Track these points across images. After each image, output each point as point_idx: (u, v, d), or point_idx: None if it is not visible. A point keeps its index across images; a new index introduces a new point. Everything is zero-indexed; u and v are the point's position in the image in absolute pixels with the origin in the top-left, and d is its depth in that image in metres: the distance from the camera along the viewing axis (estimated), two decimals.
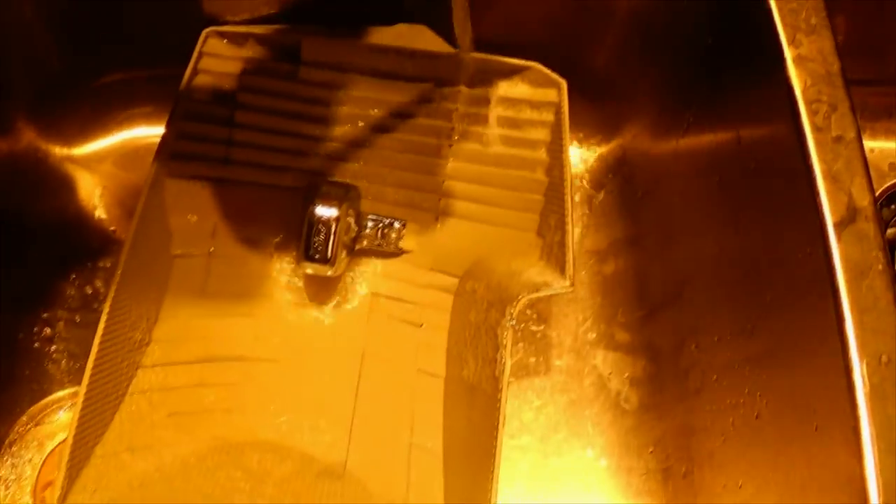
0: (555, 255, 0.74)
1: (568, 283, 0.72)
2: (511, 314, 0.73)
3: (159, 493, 0.67)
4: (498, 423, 0.69)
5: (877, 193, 0.95)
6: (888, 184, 0.99)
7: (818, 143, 0.64)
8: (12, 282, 0.81)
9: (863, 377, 0.58)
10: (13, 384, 0.79)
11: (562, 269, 0.73)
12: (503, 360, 0.70)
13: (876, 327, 0.59)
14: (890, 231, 0.96)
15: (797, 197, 0.64)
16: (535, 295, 0.73)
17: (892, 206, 0.98)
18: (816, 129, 0.64)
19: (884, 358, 0.59)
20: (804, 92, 0.65)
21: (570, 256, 0.72)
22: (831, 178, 0.63)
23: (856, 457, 0.57)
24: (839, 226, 0.62)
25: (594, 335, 0.85)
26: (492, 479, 0.67)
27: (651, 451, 0.80)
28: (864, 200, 0.63)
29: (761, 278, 0.69)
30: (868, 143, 1.01)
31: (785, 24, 0.66)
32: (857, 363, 0.59)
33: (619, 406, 0.82)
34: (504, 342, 0.72)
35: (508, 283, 0.75)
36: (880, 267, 0.61)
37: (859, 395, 0.58)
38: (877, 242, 0.62)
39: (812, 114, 0.65)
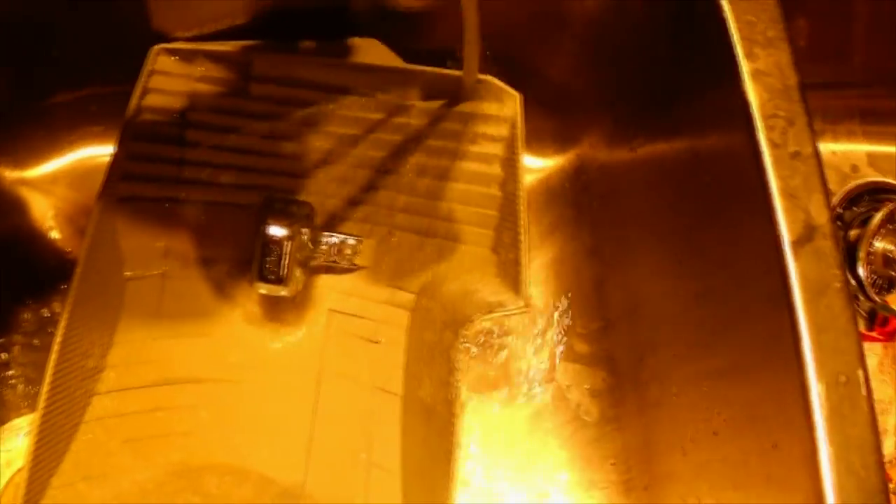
0: (510, 274, 0.74)
1: (522, 303, 0.72)
2: (465, 336, 0.72)
3: None
4: (453, 448, 0.69)
5: (839, 196, 0.95)
6: (850, 186, 0.99)
7: (775, 159, 0.64)
8: None
9: (820, 398, 0.58)
10: None
11: (516, 288, 0.72)
12: (457, 384, 0.70)
13: (834, 347, 0.59)
14: (852, 233, 0.97)
15: (754, 213, 0.64)
16: (489, 316, 0.73)
17: (854, 209, 0.98)
18: (773, 145, 0.64)
19: (842, 378, 0.59)
20: (761, 107, 0.65)
21: (524, 276, 0.72)
22: (788, 194, 0.63)
23: (814, 477, 0.57)
24: (796, 244, 0.62)
25: (553, 346, 0.84)
26: (450, 495, 0.67)
27: (612, 464, 0.80)
28: (821, 218, 0.63)
29: (719, 294, 0.69)
30: (830, 146, 1.01)
31: (742, 37, 0.66)
32: (814, 384, 0.59)
33: (580, 418, 0.82)
34: (458, 365, 0.71)
35: (463, 302, 0.75)
36: (838, 285, 0.61)
37: (817, 417, 0.58)
38: (834, 260, 0.62)
39: (769, 129, 0.64)
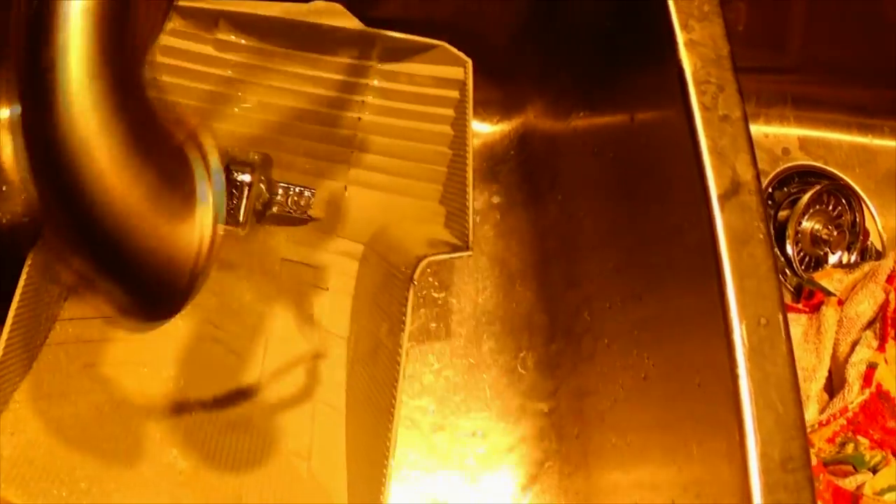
0: (456, 222, 0.77)
1: (466, 247, 0.75)
2: (412, 277, 0.75)
3: (73, 437, 0.69)
4: (397, 378, 0.72)
5: (770, 176, 1.00)
6: (781, 167, 1.04)
7: (705, 121, 0.68)
8: None
9: (742, 338, 0.62)
10: None
11: (462, 235, 0.76)
12: (404, 319, 0.73)
13: (756, 292, 0.63)
14: (782, 213, 1.01)
15: (685, 171, 0.68)
16: (434, 258, 0.76)
17: (785, 189, 1.02)
18: (704, 108, 0.68)
19: (763, 320, 0.62)
20: (694, 74, 0.69)
21: (469, 223, 0.75)
22: (717, 153, 0.67)
23: (735, 413, 0.61)
24: (723, 198, 0.66)
25: (493, 303, 0.88)
26: (390, 432, 0.70)
27: (545, 414, 0.84)
28: (747, 175, 0.67)
29: (651, 247, 0.73)
30: (763, 129, 1.05)
31: (679, 11, 0.69)
32: (737, 325, 0.62)
33: (516, 371, 0.85)
34: (405, 301, 0.74)
35: (411, 248, 0.78)
36: (761, 236, 0.65)
37: (738, 355, 0.61)
38: (759, 214, 0.66)
39: (701, 94, 0.68)
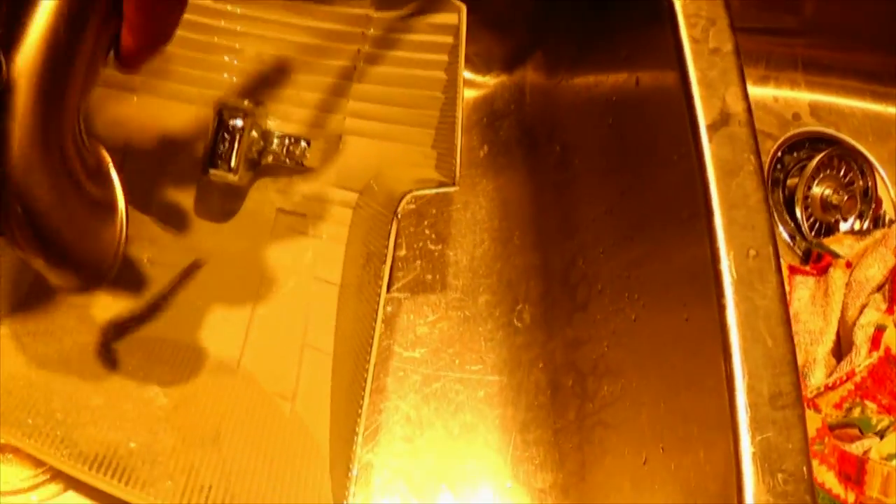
0: (445, 162, 0.77)
1: (454, 183, 0.74)
2: (396, 210, 0.75)
3: (54, 372, 0.68)
4: (377, 311, 0.71)
5: (780, 141, 0.98)
6: (791, 132, 1.02)
7: (695, 53, 0.67)
8: None
9: (730, 269, 0.61)
10: None
11: (449, 173, 0.75)
12: (385, 252, 0.72)
13: (745, 223, 0.62)
14: (791, 180, 0.99)
15: (675, 107, 0.67)
16: (419, 192, 0.75)
17: (795, 154, 1.01)
18: (694, 41, 0.67)
19: (752, 252, 0.61)
20: (684, 7, 0.68)
21: (457, 160, 0.74)
22: (706, 84, 0.66)
23: (723, 346, 0.59)
24: (711, 128, 0.65)
25: (490, 255, 0.87)
26: (367, 363, 0.69)
27: (540, 367, 0.82)
28: (737, 107, 0.66)
29: (641, 186, 0.72)
30: (773, 92, 1.04)
31: None
32: (724, 255, 0.61)
33: (512, 324, 0.84)
34: (390, 235, 0.74)
35: (400, 188, 0.77)
36: (751, 168, 0.64)
37: (726, 285, 0.60)
38: (749, 145, 0.65)
39: (690, 27, 0.68)
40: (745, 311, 0.60)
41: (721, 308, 0.60)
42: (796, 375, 0.59)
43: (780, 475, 0.56)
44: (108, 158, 0.52)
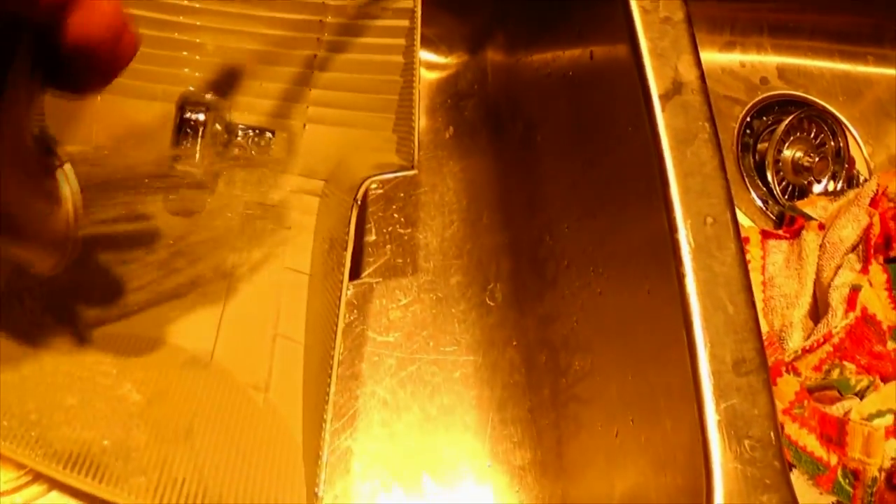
0: (404, 146, 0.77)
1: (412, 167, 0.74)
2: (356, 197, 0.75)
3: (30, 373, 0.69)
4: (340, 296, 0.71)
5: (748, 106, 0.98)
6: (759, 97, 1.02)
7: (645, 24, 0.67)
8: None
9: (687, 237, 0.61)
10: None
11: (408, 157, 0.75)
12: (348, 240, 0.73)
13: (701, 190, 0.62)
14: (761, 146, 0.99)
15: (628, 76, 0.67)
16: (378, 177, 0.75)
17: (764, 118, 1.01)
18: (644, 11, 0.68)
19: (709, 220, 0.61)
20: None
21: (415, 143, 0.74)
22: (657, 54, 0.66)
23: (684, 314, 0.60)
24: (664, 97, 0.65)
25: (460, 237, 0.87)
26: (332, 350, 0.69)
27: (514, 345, 0.83)
28: (690, 75, 0.66)
29: (602, 160, 0.72)
30: (739, 57, 1.04)
31: None
32: (681, 223, 0.61)
33: (484, 304, 0.84)
34: (350, 221, 0.74)
35: (362, 174, 0.77)
36: (705, 136, 0.64)
37: (684, 254, 0.61)
38: (703, 113, 0.65)
39: None
40: (704, 279, 0.60)
41: (680, 277, 0.60)
42: (759, 341, 0.59)
43: (746, 441, 0.57)
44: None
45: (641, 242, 0.66)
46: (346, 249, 0.71)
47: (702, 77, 0.66)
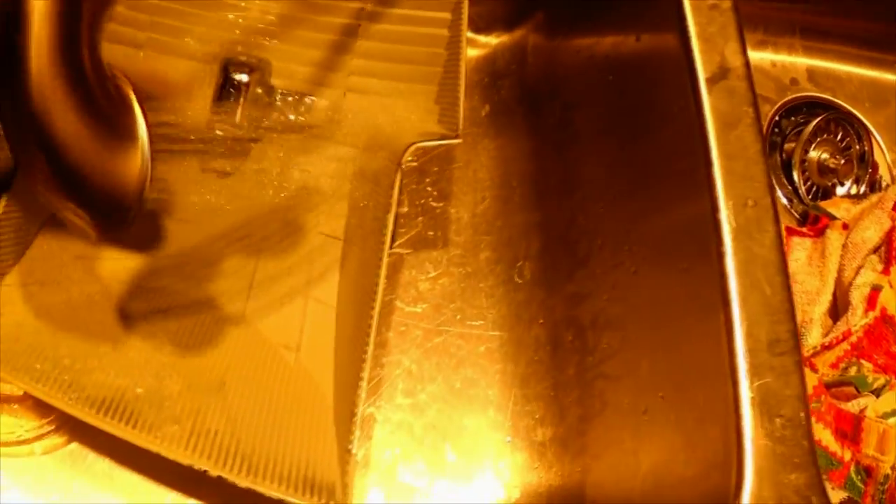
0: (448, 116, 0.77)
1: (456, 136, 0.75)
2: (400, 161, 0.75)
3: (62, 320, 0.69)
4: (382, 258, 0.71)
5: (777, 105, 0.99)
6: (789, 97, 1.03)
7: (694, 9, 0.68)
8: None
9: (728, 218, 0.61)
10: None
11: (452, 126, 0.75)
12: (390, 202, 0.73)
13: (743, 174, 0.63)
14: (788, 145, 1.00)
15: (674, 60, 0.68)
16: (423, 144, 0.76)
17: (793, 118, 1.02)
18: None
19: (750, 202, 0.62)
20: None
21: (460, 113, 0.75)
22: (704, 39, 0.67)
23: (720, 293, 0.60)
24: (710, 81, 0.66)
25: (492, 213, 0.87)
26: (373, 310, 0.70)
27: (541, 322, 0.83)
28: (736, 61, 0.67)
29: (642, 141, 0.73)
30: (770, 57, 1.05)
31: None
32: (722, 204, 0.62)
33: (512, 280, 0.85)
34: (395, 185, 0.74)
35: (403, 142, 0.77)
36: (749, 121, 0.65)
37: (724, 234, 0.61)
38: (747, 99, 0.66)
39: None
40: (743, 259, 0.61)
41: (720, 256, 0.61)
42: (793, 323, 0.60)
43: (778, 420, 0.57)
44: (130, 86, 0.50)
45: (680, 222, 0.66)
46: (388, 213, 0.72)
47: (747, 64, 0.67)
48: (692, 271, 0.64)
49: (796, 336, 0.59)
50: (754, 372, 0.58)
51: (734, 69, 0.66)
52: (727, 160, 0.63)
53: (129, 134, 0.49)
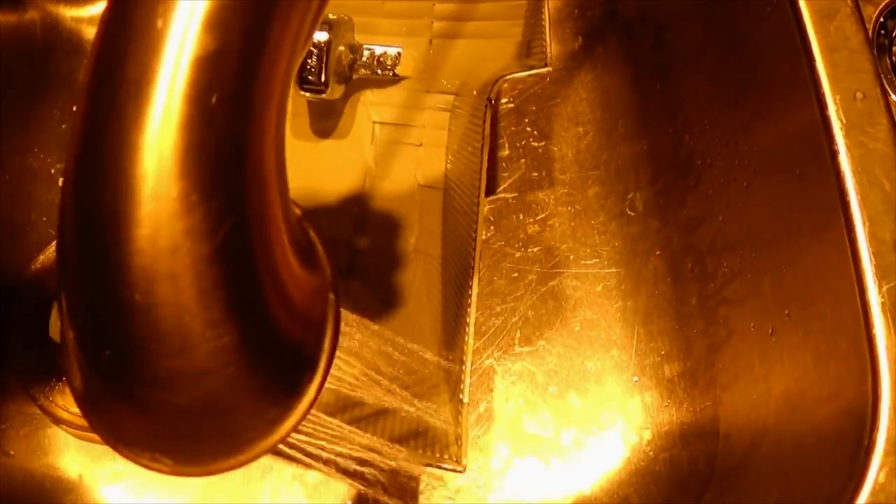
0: (536, 47, 0.75)
1: (545, 65, 0.72)
2: (489, 97, 0.73)
3: None
4: (479, 196, 0.70)
5: (881, 6, 0.93)
6: None
7: None
8: None
9: (837, 113, 0.58)
10: None
11: (541, 55, 0.73)
12: (484, 136, 0.71)
13: (848, 65, 0.59)
14: None
15: None
16: (512, 75, 0.73)
17: None
18: None
19: (859, 94, 0.58)
20: None
21: (548, 40, 0.72)
22: None
23: (837, 195, 0.57)
24: None
25: (595, 146, 0.84)
26: (474, 250, 0.68)
27: (658, 254, 0.80)
28: None
29: (740, 48, 0.70)
30: None
31: None
32: (830, 100, 0.58)
33: (624, 214, 0.82)
34: (486, 120, 0.72)
35: (493, 80, 0.76)
36: (848, 10, 0.61)
37: (836, 131, 0.58)
38: None
39: None
40: (858, 155, 0.57)
41: (833, 155, 0.58)
42: None
43: None
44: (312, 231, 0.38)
45: (788, 126, 0.63)
46: (482, 151, 0.70)
47: None
48: (806, 176, 0.61)
49: None
50: (882, 275, 0.54)
51: None
52: (829, 52, 0.59)
53: (313, 253, 0.37)
